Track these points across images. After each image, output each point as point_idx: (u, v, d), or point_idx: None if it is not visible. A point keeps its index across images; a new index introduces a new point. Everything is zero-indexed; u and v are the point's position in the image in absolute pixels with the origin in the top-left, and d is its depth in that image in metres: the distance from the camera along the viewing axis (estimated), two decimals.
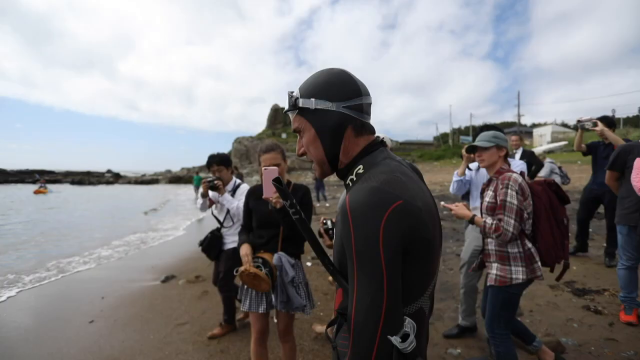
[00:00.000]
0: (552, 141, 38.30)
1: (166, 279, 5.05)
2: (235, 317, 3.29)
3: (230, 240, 3.13)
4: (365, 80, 0.86)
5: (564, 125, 52.41)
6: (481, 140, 2.06)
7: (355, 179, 0.79)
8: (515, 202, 1.82)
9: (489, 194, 1.97)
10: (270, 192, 1.79)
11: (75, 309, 4.08)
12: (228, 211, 3.12)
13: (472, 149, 2.14)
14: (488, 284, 1.98)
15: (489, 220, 1.90)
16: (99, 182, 39.22)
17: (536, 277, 1.86)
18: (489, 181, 2.05)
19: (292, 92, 0.82)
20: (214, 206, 3.30)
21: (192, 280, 4.92)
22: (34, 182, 31.57)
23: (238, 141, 48.78)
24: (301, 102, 0.80)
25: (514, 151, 5.24)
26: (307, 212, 2.05)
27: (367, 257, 0.65)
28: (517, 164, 2.73)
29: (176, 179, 40.01)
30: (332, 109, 0.79)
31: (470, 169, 2.85)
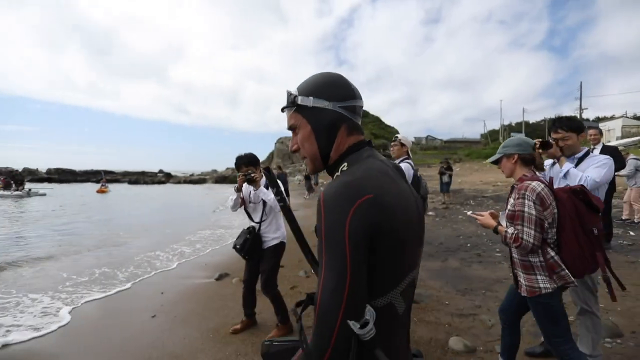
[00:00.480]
0: (624, 136, 34.50)
1: (220, 277, 5.13)
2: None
3: (270, 237, 3.09)
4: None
5: (637, 118, 47.11)
6: (496, 153, 2.08)
7: (339, 175, 0.83)
8: (533, 212, 1.79)
9: (510, 202, 1.97)
10: None
11: (138, 303, 4.26)
12: (264, 207, 3.09)
13: (496, 162, 2.11)
14: (522, 293, 1.93)
15: (510, 230, 1.88)
16: (153, 182, 41.95)
17: (567, 283, 1.79)
18: (512, 188, 2.02)
19: (291, 92, 0.87)
20: (245, 205, 3.24)
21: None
22: (97, 181, 34.42)
23: (280, 141, 49.62)
24: (300, 100, 0.84)
25: (593, 147, 4.65)
26: None
27: (333, 244, 0.68)
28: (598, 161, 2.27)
29: (222, 178, 41.53)
30: (329, 108, 0.83)
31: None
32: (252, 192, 3.10)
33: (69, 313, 4.00)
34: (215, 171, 63.40)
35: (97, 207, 17.16)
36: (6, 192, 22.19)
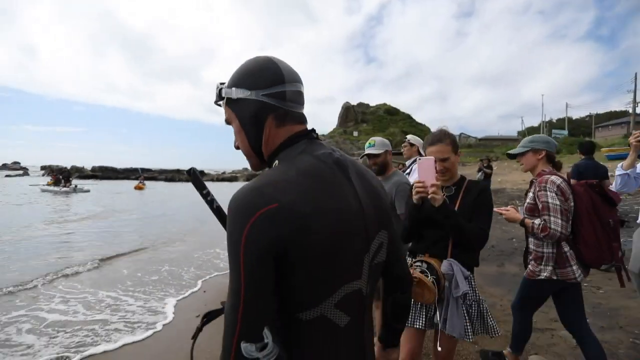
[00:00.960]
0: None
1: None
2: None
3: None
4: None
5: None
6: (519, 146, 2.20)
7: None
8: (557, 202, 1.90)
9: (529, 195, 2.10)
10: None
11: (186, 302, 4.21)
12: None
13: (512, 157, 2.25)
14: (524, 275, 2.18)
15: (537, 221, 1.97)
16: (187, 180, 43.11)
17: (568, 279, 1.95)
18: (531, 183, 2.15)
19: (222, 83, 0.79)
20: None
21: None
22: (136, 178, 35.96)
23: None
24: (224, 92, 0.78)
25: None
26: (484, 214, 1.62)
27: (232, 259, 0.63)
28: None
29: (253, 176, 42.20)
30: (252, 97, 0.75)
31: None
32: None
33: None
34: (246, 169, 64.64)
35: (144, 204, 17.76)
36: (56, 188, 23.57)
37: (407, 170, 3.49)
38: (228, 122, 0.81)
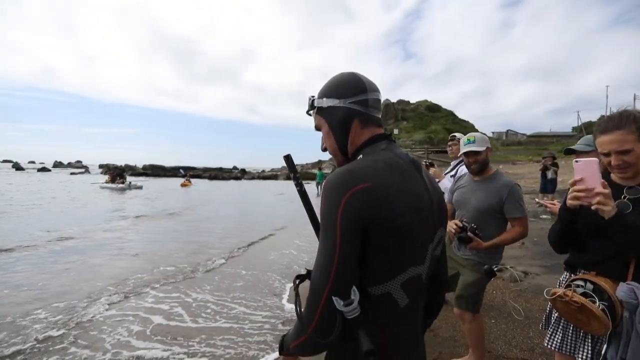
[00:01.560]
0: None
1: None
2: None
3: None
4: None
5: None
6: (582, 144, 2.10)
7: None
8: None
9: None
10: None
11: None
12: None
13: (571, 152, 2.16)
14: None
15: None
16: (230, 177, 44.68)
17: None
18: None
19: (312, 96, 0.94)
20: None
21: None
22: (183, 175, 37.66)
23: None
24: (316, 102, 0.92)
25: None
26: None
27: (327, 226, 0.74)
28: None
29: None
30: (340, 105, 0.88)
31: None
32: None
33: None
34: (284, 167, 65.50)
35: (224, 200, 18.38)
36: (112, 185, 25.24)
37: (452, 172, 3.32)
38: (318, 128, 0.95)
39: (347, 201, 0.72)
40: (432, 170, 3.59)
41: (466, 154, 2.31)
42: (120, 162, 43.46)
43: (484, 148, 2.27)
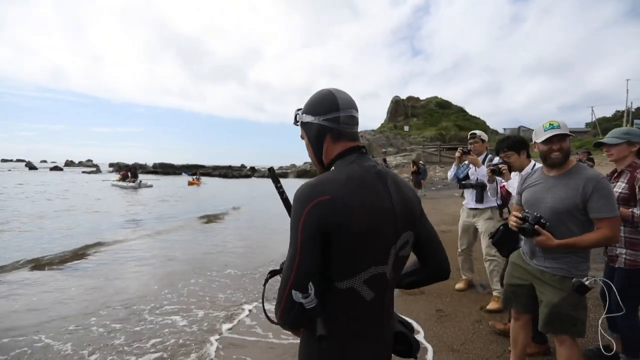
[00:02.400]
0: None
1: None
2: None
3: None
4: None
5: None
6: (611, 137, 2.30)
7: None
8: None
9: (620, 185, 2.25)
10: None
11: None
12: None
13: (600, 145, 2.38)
14: (616, 265, 2.31)
15: (636, 210, 2.14)
16: (240, 175, 44.55)
17: None
18: (619, 173, 2.31)
19: (298, 110, 1.07)
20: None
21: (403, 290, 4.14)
22: (194, 174, 37.50)
23: (360, 135, 48.52)
24: (298, 117, 1.06)
25: None
26: None
27: (292, 232, 0.89)
28: None
29: (303, 172, 41.98)
30: (315, 122, 1.01)
31: None
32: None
33: None
34: (294, 165, 65.43)
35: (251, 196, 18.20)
36: (123, 183, 25.10)
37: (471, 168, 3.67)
38: (302, 138, 1.09)
39: (308, 212, 0.86)
40: (469, 158, 3.57)
41: (549, 140, 1.93)
42: (129, 160, 43.80)
43: (567, 133, 1.93)
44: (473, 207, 3.76)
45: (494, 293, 3.54)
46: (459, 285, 4.13)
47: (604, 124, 62.79)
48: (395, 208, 0.95)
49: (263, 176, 44.04)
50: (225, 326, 3.45)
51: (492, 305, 3.48)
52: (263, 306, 1.05)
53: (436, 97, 62.97)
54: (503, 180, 2.97)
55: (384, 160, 15.88)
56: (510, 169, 2.88)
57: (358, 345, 0.95)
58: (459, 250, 4.07)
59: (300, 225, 0.87)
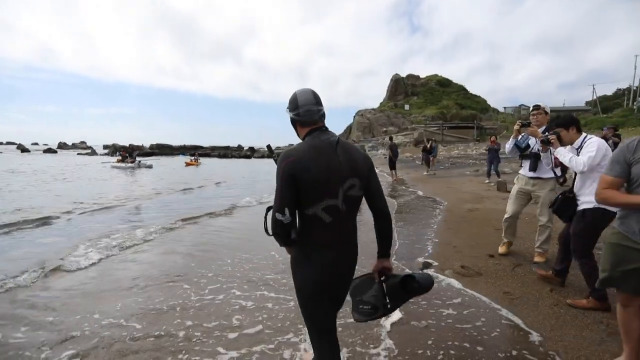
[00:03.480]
0: None
1: (425, 267, 4.12)
2: (606, 294, 2.88)
3: (583, 200, 2.93)
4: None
5: None
6: None
7: None
8: None
9: None
10: None
11: None
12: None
13: None
14: None
15: None
16: (240, 156, 43.99)
17: None
18: None
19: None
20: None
21: (459, 271, 3.86)
22: (192, 155, 36.85)
23: (360, 114, 47.97)
24: (285, 110, 1.65)
25: None
26: None
27: (276, 180, 1.46)
28: None
29: None
30: (289, 114, 1.62)
31: None
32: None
33: None
34: (291, 144, 64.18)
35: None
36: (122, 165, 24.54)
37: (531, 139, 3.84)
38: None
39: (283, 167, 1.45)
40: (529, 130, 3.71)
41: None
42: (123, 142, 43.02)
43: None
44: (534, 176, 3.90)
45: (539, 250, 4.03)
46: (501, 249, 4.38)
47: (604, 103, 62.28)
48: (342, 163, 1.50)
49: (263, 156, 43.52)
50: None
51: (538, 259, 3.98)
52: (265, 228, 1.56)
53: (436, 75, 61.85)
54: (552, 150, 3.22)
55: (390, 139, 16.07)
56: (561, 142, 3.12)
57: (321, 251, 1.54)
58: (507, 216, 4.21)
59: (280, 174, 1.44)
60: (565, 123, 3.08)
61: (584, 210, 2.87)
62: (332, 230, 1.52)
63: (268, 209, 1.57)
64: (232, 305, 3.26)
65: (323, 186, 1.45)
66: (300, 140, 1.59)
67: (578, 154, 2.95)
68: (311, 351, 2.12)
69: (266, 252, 4.81)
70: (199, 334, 2.75)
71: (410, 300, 1.84)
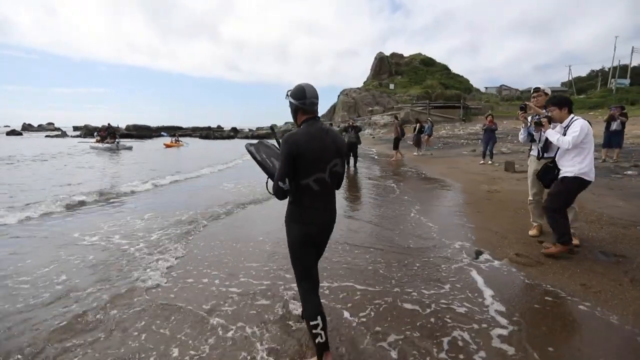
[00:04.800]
0: None
1: (477, 256, 3.82)
2: (570, 237, 3.58)
3: (564, 170, 3.54)
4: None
5: None
6: None
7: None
8: None
9: None
10: None
11: None
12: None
13: None
14: None
15: None
16: (222, 137, 42.54)
17: None
18: None
19: (288, 91, 2.04)
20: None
21: (516, 259, 3.59)
22: (172, 136, 35.26)
23: (345, 93, 47.07)
24: (287, 98, 2.04)
25: None
26: None
27: (280, 157, 1.89)
28: None
29: (285, 131, 40.43)
30: (293, 102, 1.99)
31: None
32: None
33: None
34: (275, 126, 63.25)
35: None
36: (99, 145, 23.10)
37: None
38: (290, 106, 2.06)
39: (287, 147, 1.85)
40: (532, 109, 4.18)
41: None
42: (96, 124, 40.50)
43: None
44: (547, 156, 3.99)
45: (535, 223, 4.38)
46: (532, 232, 4.36)
47: (579, 84, 63.96)
48: (329, 146, 1.97)
49: (247, 137, 42.29)
50: None
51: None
52: (267, 189, 2.08)
53: (420, 54, 61.27)
54: (543, 130, 3.78)
55: (396, 118, 15.66)
56: (551, 122, 3.67)
57: (311, 211, 1.98)
58: (530, 199, 4.35)
59: (283, 152, 1.87)
60: (559, 103, 3.59)
61: (563, 177, 3.55)
62: (319, 197, 1.97)
63: (268, 178, 2.11)
64: None
65: (315, 163, 1.91)
66: (296, 124, 2.05)
67: (565, 131, 3.50)
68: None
69: None
70: None
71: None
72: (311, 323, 1.93)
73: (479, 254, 3.87)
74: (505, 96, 55.31)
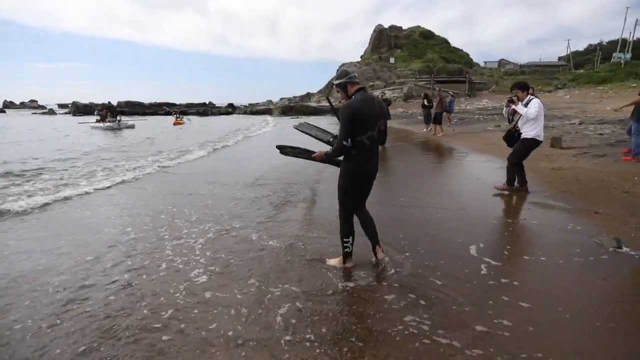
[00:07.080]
0: None
1: (618, 246, 3.48)
2: (514, 183, 5.39)
3: (524, 134, 5.18)
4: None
5: None
6: None
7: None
8: None
9: None
10: None
11: None
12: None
13: None
14: None
15: None
16: (220, 113, 41.27)
17: None
18: None
19: (332, 79, 3.92)
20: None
21: None
22: (168, 113, 33.98)
23: (344, 68, 45.82)
24: (335, 82, 2.85)
25: None
26: None
27: (341, 122, 2.66)
28: None
29: (287, 109, 39.37)
30: (343, 81, 2.78)
31: None
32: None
33: None
34: (270, 101, 61.79)
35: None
36: (100, 125, 22.04)
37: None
38: (337, 91, 2.89)
39: (348, 112, 2.58)
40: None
41: None
42: (81, 100, 38.34)
43: None
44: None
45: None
46: None
47: (577, 58, 63.40)
48: (378, 110, 2.70)
49: (245, 113, 41.12)
50: None
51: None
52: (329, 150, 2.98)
53: (419, 27, 59.67)
54: (513, 106, 5.33)
55: (384, 93, 15.04)
56: (519, 100, 5.22)
57: (361, 160, 2.70)
58: None
59: (345, 117, 2.57)
60: (522, 87, 5.23)
61: (523, 138, 5.18)
62: (369, 150, 2.70)
63: (331, 141, 3.67)
64: None
65: (368, 124, 2.64)
66: (347, 98, 2.79)
67: (525, 107, 5.08)
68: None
69: None
70: None
71: None
72: (344, 239, 2.94)
73: (619, 243, 3.46)
74: (509, 70, 54.48)
